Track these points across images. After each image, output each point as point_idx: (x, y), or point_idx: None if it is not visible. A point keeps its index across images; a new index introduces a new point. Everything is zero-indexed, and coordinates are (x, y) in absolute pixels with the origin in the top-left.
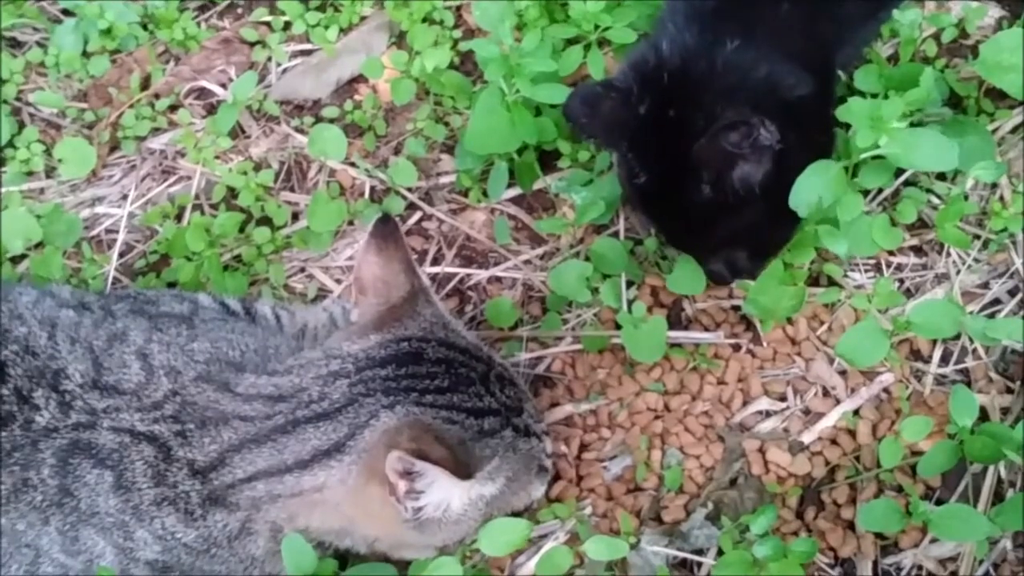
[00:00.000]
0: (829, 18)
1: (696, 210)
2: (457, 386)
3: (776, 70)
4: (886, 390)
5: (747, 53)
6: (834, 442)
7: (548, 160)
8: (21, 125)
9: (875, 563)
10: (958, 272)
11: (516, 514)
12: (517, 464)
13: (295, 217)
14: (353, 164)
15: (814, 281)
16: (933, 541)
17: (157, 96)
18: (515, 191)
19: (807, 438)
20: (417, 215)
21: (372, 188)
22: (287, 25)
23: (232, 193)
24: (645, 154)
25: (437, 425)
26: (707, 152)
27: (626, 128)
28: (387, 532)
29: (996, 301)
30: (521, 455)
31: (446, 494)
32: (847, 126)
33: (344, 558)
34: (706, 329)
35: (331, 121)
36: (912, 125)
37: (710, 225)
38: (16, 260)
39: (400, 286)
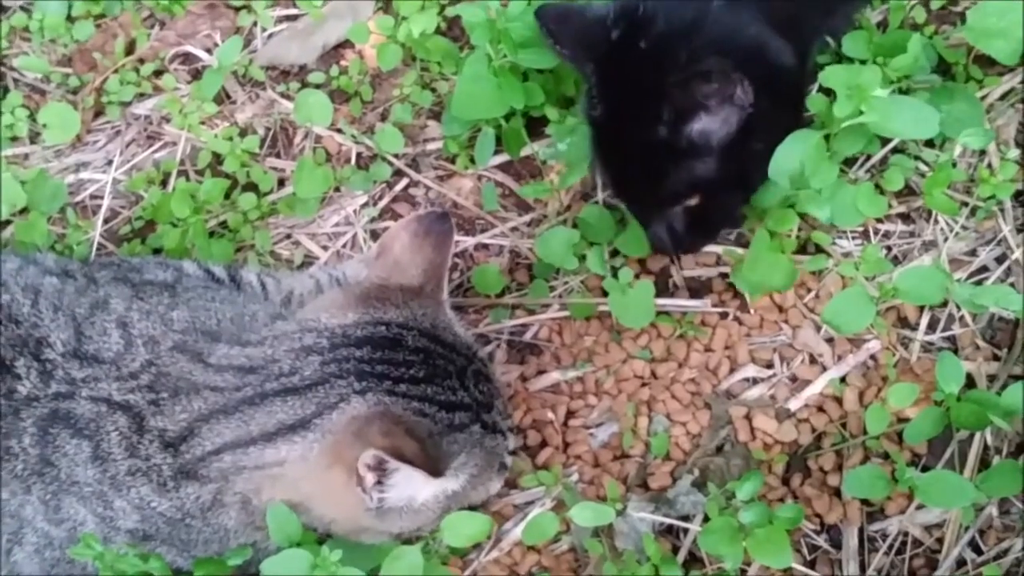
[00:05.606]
0: None
1: (647, 153)
2: (432, 377)
3: (764, 33)
4: (873, 357)
5: (735, 12)
6: (820, 409)
7: (536, 126)
8: (5, 90)
9: (861, 529)
10: (946, 239)
11: (472, 508)
12: (481, 460)
13: (281, 183)
14: (339, 130)
15: (802, 249)
16: (919, 508)
17: (142, 61)
18: (502, 158)
19: (794, 405)
20: (404, 182)
21: (358, 154)
22: None
23: (217, 159)
24: (607, 82)
25: (407, 417)
26: (679, 91)
27: (594, 48)
28: (345, 516)
29: (983, 268)
30: (486, 451)
31: (414, 489)
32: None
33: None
34: (693, 296)
35: (317, 87)
36: (901, 92)
37: (657, 173)
38: (0, 226)
39: (408, 277)
